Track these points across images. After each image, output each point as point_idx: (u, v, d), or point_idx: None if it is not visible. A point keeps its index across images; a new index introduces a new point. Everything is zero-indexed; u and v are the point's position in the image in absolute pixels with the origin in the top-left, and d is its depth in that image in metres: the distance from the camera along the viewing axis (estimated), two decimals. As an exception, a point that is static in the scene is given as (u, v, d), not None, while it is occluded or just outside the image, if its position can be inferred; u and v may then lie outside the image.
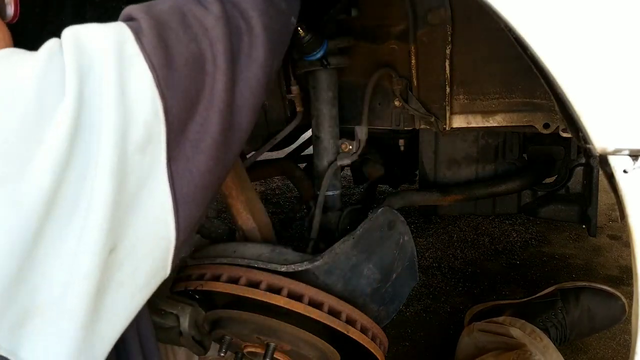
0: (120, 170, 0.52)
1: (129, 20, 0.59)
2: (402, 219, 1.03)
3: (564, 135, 1.08)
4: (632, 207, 0.58)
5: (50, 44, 0.54)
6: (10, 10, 0.67)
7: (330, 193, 1.15)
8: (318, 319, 0.88)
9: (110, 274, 0.54)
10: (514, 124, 1.13)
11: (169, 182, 0.57)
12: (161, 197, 0.56)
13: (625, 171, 0.58)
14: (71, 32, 0.55)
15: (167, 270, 0.61)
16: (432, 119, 1.15)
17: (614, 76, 0.56)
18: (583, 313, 1.54)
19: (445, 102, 1.13)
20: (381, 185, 1.90)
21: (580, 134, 0.59)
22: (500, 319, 1.50)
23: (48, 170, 0.48)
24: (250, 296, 0.88)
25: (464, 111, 1.15)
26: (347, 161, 1.14)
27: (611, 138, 0.57)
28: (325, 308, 0.89)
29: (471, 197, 1.32)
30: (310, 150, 1.92)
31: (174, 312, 0.98)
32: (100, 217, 0.51)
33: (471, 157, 1.38)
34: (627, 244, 0.62)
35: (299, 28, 0.96)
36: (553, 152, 1.37)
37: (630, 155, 0.57)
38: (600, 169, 0.70)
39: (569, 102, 0.57)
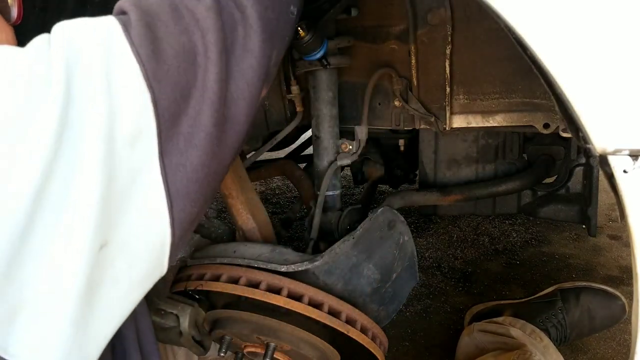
0: (108, 164, 0.51)
1: (120, 14, 0.59)
2: (402, 219, 1.03)
3: (564, 135, 1.08)
4: (632, 207, 0.58)
5: (39, 39, 0.54)
6: (14, 12, 0.67)
7: (330, 193, 1.15)
8: (318, 319, 0.88)
9: (103, 270, 0.53)
10: (514, 124, 1.13)
11: (162, 176, 0.56)
12: (154, 192, 0.56)
13: (625, 171, 0.58)
14: (60, 27, 0.54)
15: (163, 268, 0.60)
16: (432, 119, 1.15)
17: (613, 76, 0.56)
18: (583, 313, 1.54)
19: (445, 102, 1.13)
20: (381, 185, 1.90)
21: (580, 134, 0.59)
22: (501, 319, 1.50)
23: (35, 167, 0.47)
24: (250, 296, 0.88)
25: (464, 111, 1.15)
26: (347, 161, 1.14)
27: (611, 138, 0.57)
28: (325, 308, 0.89)
29: (471, 197, 1.32)
30: (310, 150, 1.92)
31: (174, 312, 0.98)
32: (88, 212, 0.50)
33: (471, 157, 1.38)
34: (627, 244, 0.62)
35: (299, 28, 0.96)
36: (553, 152, 1.37)
37: (630, 155, 0.57)
38: (600, 169, 0.70)
39: (568, 102, 0.57)
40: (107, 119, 0.51)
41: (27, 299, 0.49)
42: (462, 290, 1.98)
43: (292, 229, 2.29)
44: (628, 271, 1.98)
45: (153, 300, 0.98)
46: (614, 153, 0.58)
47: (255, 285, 0.89)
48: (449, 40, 1.06)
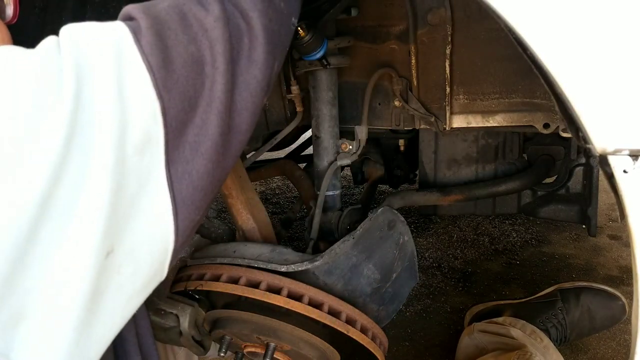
0: (118, 172, 0.51)
1: (127, 19, 0.59)
2: (402, 219, 1.03)
3: (564, 135, 1.08)
4: (632, 207, 0.58)
5: (48, 41, 0.53)
6: (10, 10, 0.67)
7: (330, 193, 1.15)
8: (318, 319, 0.88)
9: (108, 277, 0.53)
10: (514, 124, 1.13)
11: (168, 184, 0.56)
12: (160, 200, 0.56)
13: (625, 171, 0.58)
14: (69, 31, 0.54)
15: (164, 273, 0.61)
16: (432, 119, 1.15)
17: (613, 76, 0.56)
18: (583, 313, 1.54)
19: (445, 102, 1.13)
20: (381, 185, 1.90)
21: (580, 134, 0.59)
22: (501, 319, 1.50)
23: (43, 171, 0.47)
24: (250, 296, 0.88)
25: (464, 111, 1.15)
26: (347, 161, 1.14)
27: (611, 138, 0.57)
28: (325, 308, 0.89)
29: (471, 197, 1.32)
30: (310, 150, 1.92)
31: (174, 312, 0.98)
32: (97, 219, 0.50)
33: (471, 157, 1.38)
34: (627, 244, 0.62)
35: (299, 28, 0.96)
36: (553, 152, 1.37)
37: (630, 155, 0.57)
38: (600, 169, 0.70)
39: (568, 102, 0.57)
40: (118, 126, 0.51)
41: (32, 304, 0.48)
42: (462, 290, 1.98)
43: (292, 229, 2.29)
44: (628, 271, 1.98)
45: (153, 300, 0.98)
46: (614, 153, 0.58)
47: (255, 285, 0.89)
48: (449, 40, 1.06)
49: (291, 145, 1.93)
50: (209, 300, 1.03)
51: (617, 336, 1.64)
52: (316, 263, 0.92)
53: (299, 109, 1.25)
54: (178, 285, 0.99)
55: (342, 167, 1.17)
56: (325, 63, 1.06)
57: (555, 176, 1.43)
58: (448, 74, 1.10)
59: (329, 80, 1.10)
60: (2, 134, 0.47)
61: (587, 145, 0.58)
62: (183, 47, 0.58)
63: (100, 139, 0.50)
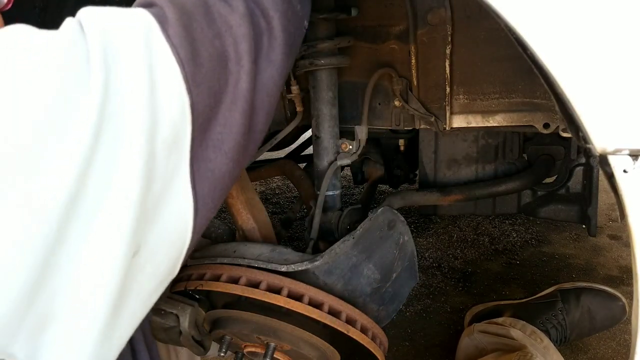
0: (149, 170, 0.49)
1: (149, 6, 0.56)
2: (402, 219, 1.03)
3: (564, 135, 1.08)
4: (632, 207, 0.58)
5: (70, 24, 0.49)
6: None
7: (330, 193, 1.15)
8: (318, 318, 0.88)
9: (133, 277, 0.51)
10: (514, 124, 1.13)
11: (191, 182, 0.55)
12: (183, 198, 0.54)
13: (625, 171, 0.58)
14: (90, 15, 0.50)
15: (176, 271, 0.60)
16: (432, 119, 1.15)
17: (614, 76, 0.56)
18: (583, 314, 1.54)
19: (445, 102, 1.13)
20: (381, 185, 1.90)
21: (580, 133, 0.59)
22: (501, 320, 1.50)
23: (70, 167, 0.44)
24: (250, 296, 0.88)
25: (464, 111, 1.15)
26: (347, 161, 1.14)
27: (611, 138, 0.57)
28: (326, 308, 0.89)
29: (471, 197, 1.32)
30: (310, 150, 1.92)
31: (174, 312, 0.98)
32: (126, 218, 0.48)
33: (471, 157, 1.38)
34: (627, 244, 0.62)
35: None
36: (553, 152, 1.37)
37: (630, 155, 0.57)
38: (600, 169, 0.70)
39: (569, 102, 0.57)
40: (149, 121, 0.49)
41: (59, 307, 0.46)
42: (462, 290, 1.98)
43: (292, 229, 2.29)
44: (628, 271, 1.98)
45: (153, 300, 0.98)
46: (614, 153, 0.58)
47: (255, 285, 0.89)
48: (449, 40, 1.06)
49: (291, 145, 1.93)
50: (209, 300, 1.03)
51: (617, 336, 1.64)
52: (316, 263, 0.92)
53: (299, 109, 1.25)
54: (178, 285, 0.99)
55: (342, 167, 1.17)
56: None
57: (555, 176, 1.43)
58: (448, 74, 1.10)
59: (329, 80, 1.10)
60: (25, 127, 0.43)
61: (587, 145, 0.58)
62: (209, 41, 0.56)
63: (130, 134, 0.48)
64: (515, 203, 1.45)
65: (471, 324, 1.55)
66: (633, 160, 0.57)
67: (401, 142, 1.49)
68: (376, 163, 1.65)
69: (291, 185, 3.05)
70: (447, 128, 1.16)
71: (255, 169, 1.56)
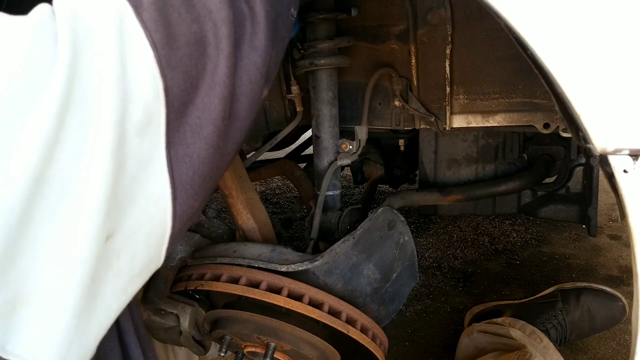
0: (120, 152, 0.49)
1: None
2: (402, 219, 1.03)
3: (564, 135, 1.08)
4: (632, 207, 0.58)
5: (41, 8, 0.49)
6: None
7: (330, 193, 1.15)
8: (318, 318, 0.88)
9: (108, 262, 0.51)
10: (514, 124, 1.13)
11: (168, 167, 0.54)
12: (159, 183, 0.54)
13: (625, 171, 0.58)
14: (62, 0, 0.50)
15: (160, 260, 0.59)
16: (432, 119, 1.15)
17: (614, 76, 0.56)
18: (583, 314, 1.54)
19: (445, 102, 1.13)
20: (381, 185, 1.90)
21: (580, 133, 0.59)
22: (500, 320, 1.50)
23: (35, 147, 0.44)
24: (250, 296, 0.88)
25: (464, 111, 1.15)
26: (347, 161, 1.14)
27: (611, 138, 0.57)
28: (326, 308, 0.89)
29: (471, 197, 1.32)
30: (310, 150, 1.92)
31: (174, 312, 0.98)
32: (98, 201, 0.47)
33: (471, 157, 1.38)
34: (627, 244, 0.62)
35: None
36: (553, 152, 1.37)
37: (630, 155, 0.57)
38: (600, 168, 0.70)
39: (569, 102, 0.57)
40: (119, 103, 0.49)
41: (29, 290, 0.46)
42: (462, 290, 1.98)
43: (292, 229, 2.29)
44: (628, 271, 1.98)
45: (153, 300, 0.98)
46: (614, 153, 0.58)
47: (255, 285, 0.89)
48: (449, 40, 1.07)
49: (291, 145, 1.93)
50: (209, 300, 1.03)
51: (617, 336, 1.64)
52: (316, 263, 0.92)
53: (299, 109, 1.26)
54: (178, 285, 0.99)
55: (342, 167, 1.17)
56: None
57: (555, 176, 1.43)
58: (448, 74, 1.10)
59: (329, 80, 1.10)
60: None
61: (587, 145, 0.58)
62: (186, 25, 0.56)
63: (99, 115, 0.48)
64: (515, 203, 1.45)
65: (471, 324, 1.55)
66: (633, 160, 0.57)
67: (401, 142, 1.49)
68: (376, 163, 1.65)
69: (291, 185, 3.05)
70: (447, 128, 1.16)
71: (255, 169, 1.57)
